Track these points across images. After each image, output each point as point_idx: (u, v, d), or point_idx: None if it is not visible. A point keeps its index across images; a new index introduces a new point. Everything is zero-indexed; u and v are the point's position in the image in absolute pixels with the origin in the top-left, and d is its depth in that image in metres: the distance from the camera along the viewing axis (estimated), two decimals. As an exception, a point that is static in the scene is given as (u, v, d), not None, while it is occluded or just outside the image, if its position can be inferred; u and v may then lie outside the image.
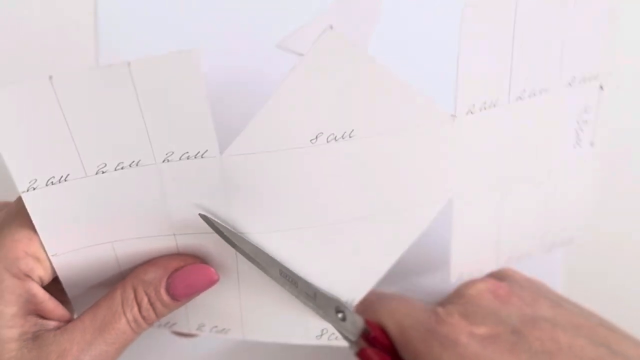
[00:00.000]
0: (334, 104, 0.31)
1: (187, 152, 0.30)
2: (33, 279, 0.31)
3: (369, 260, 0.36)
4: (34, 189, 0.30)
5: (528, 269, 0.42)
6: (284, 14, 0.42)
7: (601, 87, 0.38)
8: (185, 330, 0.38)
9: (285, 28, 0.42)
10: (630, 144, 0.53)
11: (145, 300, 0.32)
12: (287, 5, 0.42)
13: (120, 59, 0.27)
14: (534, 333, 0.36)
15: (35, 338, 0.31)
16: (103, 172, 0.30)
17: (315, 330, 0.36)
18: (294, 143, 0.31)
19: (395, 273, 0.37)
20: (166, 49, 0.28)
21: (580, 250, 0.55)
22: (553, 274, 0.49)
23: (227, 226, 0.32)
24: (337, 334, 0.36)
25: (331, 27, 0.29)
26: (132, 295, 0.32)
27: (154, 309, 0.33)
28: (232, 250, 0.33)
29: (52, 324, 0.32)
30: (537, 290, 0.39)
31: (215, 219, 0.32)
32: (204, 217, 0.32)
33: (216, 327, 0.37)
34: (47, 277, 0.32)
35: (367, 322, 0.38)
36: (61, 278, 0.33)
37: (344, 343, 0.37)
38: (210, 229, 0.32)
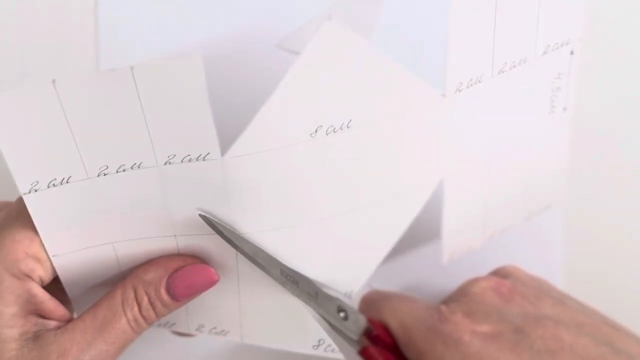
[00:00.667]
0: (333, 95, 0.31)
1: (189, 155, 0.30)
2: (33, 279, 0.31)
3: (367, 249, 0.36)
4: (36, 190, 0.30)
5: (528, 269, 0.42)
6: (284, 14, 0.42)
7: (572, 53, 0.38)
8: (184, 331, 0.38)
9: (285, 28, 0.42)
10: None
11: (145, 300, 0.32)
12: (287, 5, 0.42)
13: (121, 59, 0.28)
14: (536, 331, 0.36)
15: (35, 338, 0.31)
16: (105, 174, 0.30)
17: (313, 340, 0.36)
18: (295, 139, 0.31)
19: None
20: (166, 48, 0.28)
21: (580, 250, 0.55)
22: (553, 273, 0.49)
23: (227, 227, 0.32)
24: (334, 345, 0.36)
25: (330, 19, 0.29)
26: (132, 295, 0.32)
27: (154, 308, 0.33)
28: (233, 251, 0.33)
29: (52, 323, 0.32)
30: (540, 288, 0.39)
31: (216, 220, 0.32)
32: (205, 218, 0.32)
33: (215, 328, 0.37)
34: (47, 278, 0.32)
35: (369, 320, 0.38)
36: (62, 278, 0.33)
37: (340, 356, 0.36)
38: (211, 230, 0.32)
